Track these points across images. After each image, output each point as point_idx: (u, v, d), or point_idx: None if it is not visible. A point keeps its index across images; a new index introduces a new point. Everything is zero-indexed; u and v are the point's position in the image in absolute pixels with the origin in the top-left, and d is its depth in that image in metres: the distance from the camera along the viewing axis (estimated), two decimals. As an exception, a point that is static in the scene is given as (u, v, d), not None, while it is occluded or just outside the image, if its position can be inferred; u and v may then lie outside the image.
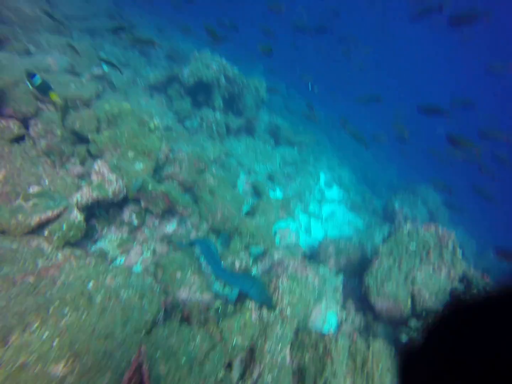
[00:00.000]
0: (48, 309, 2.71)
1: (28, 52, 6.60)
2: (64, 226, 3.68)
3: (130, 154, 5.08)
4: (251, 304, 3.69)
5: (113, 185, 4.46)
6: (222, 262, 5.28)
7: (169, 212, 5.83)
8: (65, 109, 5.10)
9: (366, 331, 4.99)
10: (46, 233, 3.62)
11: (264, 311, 3.86)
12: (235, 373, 3.67)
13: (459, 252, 5.26)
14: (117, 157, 4.87)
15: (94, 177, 4.38)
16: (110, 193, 4.42)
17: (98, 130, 5.07)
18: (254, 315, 3.70)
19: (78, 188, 4.30)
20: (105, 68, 7.37)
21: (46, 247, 3.51)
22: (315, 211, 8.55)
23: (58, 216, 3.70)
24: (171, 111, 8.44)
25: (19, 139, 4.43)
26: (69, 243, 3.83)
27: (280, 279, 4.31)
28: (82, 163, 4.88)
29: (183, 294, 4.32)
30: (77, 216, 3.85)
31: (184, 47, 11.91)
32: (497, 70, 9.00)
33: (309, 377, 3.65)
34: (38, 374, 2.33)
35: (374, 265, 5.30)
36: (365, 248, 6.61)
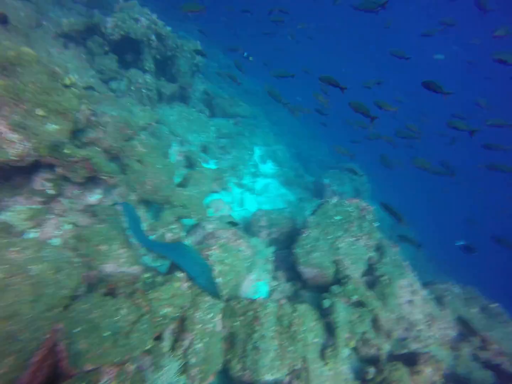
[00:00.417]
0: None
1: None
2: None
3: (39, 112, 4.33)
4: (181, 274, 3.61)
5: (16, 146, 3.79)
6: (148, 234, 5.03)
7: (92, 181, 5.25)
8: None
9: (295, 298, 5.34)
10: None
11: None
12: (166, 343, 3.63)
13: (375, 223, 5.89)
14: (20, 114, 4.10)
15: (-13, 135, 3.65)
16: (10, 156, 3.75)
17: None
18: (185, 285, 3.65)
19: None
20: None
21: None
22: (249, 185, 8.67)
23: None
24: (92, 68, 7.41)
25: None
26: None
27: (212, 249, 4.31)
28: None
29: (109, 267, 4.02)
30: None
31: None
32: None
33: (239, 342, 3.83)
34: None
35: (302, 236, 5.63)
36: (296, 220, 6.98)
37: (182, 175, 6.39)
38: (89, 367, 2.46)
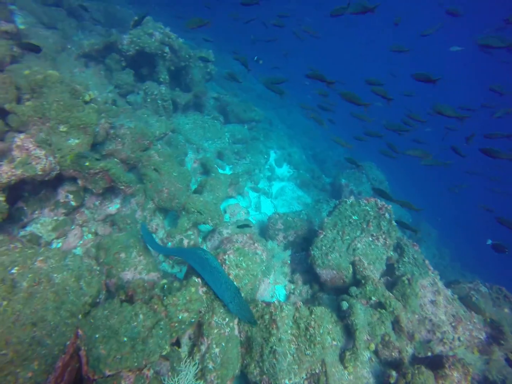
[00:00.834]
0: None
1: None
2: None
3: (62, 128, 4.60)
4: (197, 279, 3.68)
5: (42, 162, 4.04)
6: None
7: (111, 191, 5.49)
8: None
9: (313, 301, 5.27)
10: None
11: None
12: (184, 349, 3.70)
13: (394, 222, 5.73)
14: (46, 132, 4.37)
15: (16, 153, 3.91)
16: (38, 171, 4.00)
17: (18, 100, 4.48)
18: (201, 290, 3.72)
19: (-3, 165, 3.81)
20: (20, 23, 6.27)
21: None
22: (265, 188, 8.69)
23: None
24: (111, 83, 7.76)
25: None
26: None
27: (227, 254, 4.36)
28: (0, 138, 4.31)
29: (128, 274, 4.17)
30: (-4, 196, 3.44)
31: (122, 10, 10.84)
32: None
33: (256, 346, 3.82)
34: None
35: (319, 238, 5.57)
36: (312, 222, 6.92)
37: (198, 181, 6.52)
38: (108, 372, 2.56)
